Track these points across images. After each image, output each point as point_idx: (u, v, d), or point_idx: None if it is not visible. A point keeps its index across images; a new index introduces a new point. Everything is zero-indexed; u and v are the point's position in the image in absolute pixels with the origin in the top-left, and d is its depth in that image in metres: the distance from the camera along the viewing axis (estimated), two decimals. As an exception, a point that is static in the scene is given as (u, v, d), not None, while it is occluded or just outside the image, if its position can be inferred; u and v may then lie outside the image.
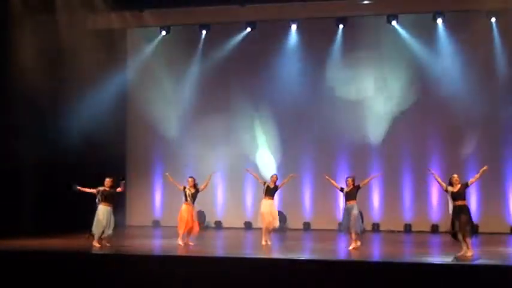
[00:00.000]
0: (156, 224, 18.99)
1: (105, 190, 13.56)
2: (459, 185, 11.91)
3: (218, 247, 14.77)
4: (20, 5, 15.27)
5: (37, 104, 15.50)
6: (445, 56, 17.37)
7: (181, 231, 13.71)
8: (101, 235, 13.43)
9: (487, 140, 17.17)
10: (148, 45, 18.88)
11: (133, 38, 19.09)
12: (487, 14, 16.81)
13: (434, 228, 17.42)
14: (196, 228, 13.87)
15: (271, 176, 14.52)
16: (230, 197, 18.74)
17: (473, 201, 17.25)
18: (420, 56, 17.49)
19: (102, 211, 13.45)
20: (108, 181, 13.60)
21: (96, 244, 13.35)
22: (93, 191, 13.61)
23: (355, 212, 13.15)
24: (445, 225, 17.13)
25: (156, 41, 18.84)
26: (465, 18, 17.00)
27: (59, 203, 16.07)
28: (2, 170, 15.25)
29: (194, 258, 12.24)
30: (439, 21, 17.24)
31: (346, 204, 13.41)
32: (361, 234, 13.40)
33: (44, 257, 12.08)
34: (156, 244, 15.36)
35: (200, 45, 18.70)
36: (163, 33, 18.64)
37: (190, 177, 14.15)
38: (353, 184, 13.35)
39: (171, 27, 18.59)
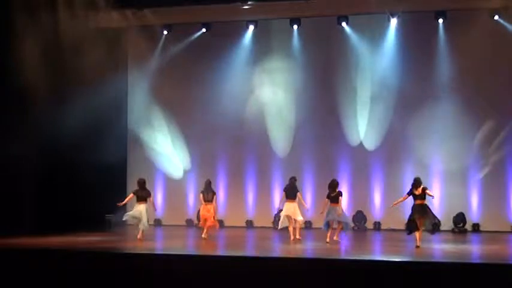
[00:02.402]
0: (158, 222, 19.01)
1: (137, 191, 14.83)
2: (420, 188, 13.12)
3: (220, 246, 14.76)
4: (20, 3, 15.26)
5: (37, 104, 15.50)
6: (447, 55, 17.36)
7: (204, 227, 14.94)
8: (139, 228, 14.61)
9: (488, 139, 17.17)
10: (150, 44, 18.88)
11: (134, 36, 19.06)
12: (489, 12, 16.79)
13: (435, 227, 17.40)
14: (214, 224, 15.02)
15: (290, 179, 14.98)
16: (232, 196, 18.75)
17: (474, 200, 17.33)
18: (421, 55, 17.50)
19: (138, 208, 14.62)
20: (139, 182, 14.94)
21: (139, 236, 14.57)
22: (131, 196, 14.93)
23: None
24: (446, 224, 17.34)
25: (158, 39, 18.85)
26: (467, 17, 16.96)
27: (60, 203, 16.12)
28: (3, 169, 15.29)
29: (195, 257, 12.25)
30: (440, 20, 17.27)
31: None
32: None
33: (45, 256, 12.09)
34: (158, 243, 15.37)
35: (201, 44, 18.69)
36: (165, 32, 18.68)
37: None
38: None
39: (173, 26, 18.62)
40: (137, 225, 14.66)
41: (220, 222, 18.59)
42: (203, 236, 14.84)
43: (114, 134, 17.92)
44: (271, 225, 18.27)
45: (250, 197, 18.72)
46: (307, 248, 13.96)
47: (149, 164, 19.18)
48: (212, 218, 14.98)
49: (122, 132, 19.21)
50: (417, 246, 13.08)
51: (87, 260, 11.92)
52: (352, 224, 14.67)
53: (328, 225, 14.24)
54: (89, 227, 16.37)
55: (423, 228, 13.20)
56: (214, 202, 15.05)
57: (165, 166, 19.14)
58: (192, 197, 19.04)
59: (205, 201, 15.04)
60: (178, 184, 18.92)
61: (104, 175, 17.43)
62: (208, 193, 15.10)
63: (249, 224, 18.58)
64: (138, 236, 14.58)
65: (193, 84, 18.86)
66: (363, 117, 17.87)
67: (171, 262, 11.63)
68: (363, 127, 17.88)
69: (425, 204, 13.21)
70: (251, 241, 15.67)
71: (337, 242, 14.08)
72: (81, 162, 16.34)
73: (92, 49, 15.90)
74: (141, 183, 14.94)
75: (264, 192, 18.64)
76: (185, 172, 19.02)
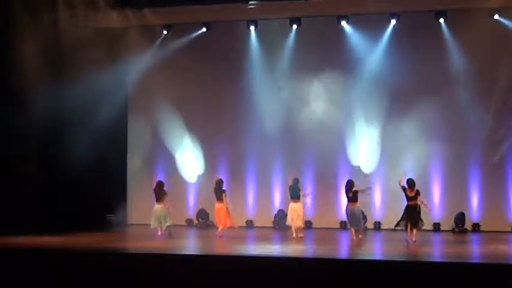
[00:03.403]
0: (158, 222, 19.00)
1: (154, 191, 15.99)
2: (414, 191, 14.26)
3: (219, 246, 14.75)
4: (20, 3, 15.26)
5: (37, 104, 15.51)
6: (447, 55, 17.35)
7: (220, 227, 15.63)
8: (161, 227, 15.77)
9: (488, 139, 17.15)
10: (150, 43, 18.86)
11: (134, 36, 19.04)
12: (489, 11, 16.78)
13: (436, 227, 17.44)
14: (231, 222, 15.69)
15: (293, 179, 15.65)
16: (232, 196, 18.66)
17: (474, 200, 17.33)
18: (421, 55, 17.48)
19: (155, 208, 15.85)
20: (158, 184, 16.04)
21: (158, 233, 15.76)
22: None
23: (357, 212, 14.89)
24: (446, 224, 17.35)
25: (158, 39, 18.83)
26: (467, 17, 16.92)
27: (60, 203, 16.13)
28: (3, 169, 15.29)
29: (195, 257, 12.25)
30: (441, 20, 17.25)
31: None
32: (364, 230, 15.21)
33: (45, 256, 12.10)
34: (158, 243, 15.37)
35: (201, 44, 18.68)
36: (165, 32, 18.66)
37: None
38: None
39: (173, 26, 18.60)
40: (161, 225, 15.77)
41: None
42: (218, 234, 15.47)
43: (114, 134, 17.92)
44: (271, 225, 18.28)
45: (250, 197, 18.72)
46: (307, 248, 13.96)
47: (150, 162, 19.19)
48: (228, 217, 15.57)
49: (123, 132, 19.22)
50: (407, 241, 14.06)
51: (87, 260, 11.93)
52: (363, 227, 15.40)
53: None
54: (89, 227, 16.38)
55: (413, 226, 14.23)
56: (225, 201, 15.59)
57: (165, 164, 19.12)
58: (192, 197, 19.05)
59: (217, 200, 15.62)
60: (178, 184, 18.90)
61: (104, 175, 17.44)
62: (219, 192, 15.61)
63: (249, 224, 18.58)
64: (159, 233, 15.71)
65: (192, 84, 18.83)
66: (362, 116, 17.84)
67: (171, 262, 11.64)
68: (363, 126, 17.85)
69: (418, 205, 14.25)
70: (251, 241, 15.66)
71: (360, 240, 14.66)
72: (81, 162, 16.32)
73: (92, 49, 15.90)
74: (160, 185, 15.95)
75: (264, 192, 18.64)
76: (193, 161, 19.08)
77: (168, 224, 15.80)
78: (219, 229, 15.57)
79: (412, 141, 17.60)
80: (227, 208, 15.64)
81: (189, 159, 19.00)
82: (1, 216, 15.04)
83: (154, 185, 16.12)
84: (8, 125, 15.40)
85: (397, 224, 14.54)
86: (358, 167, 17.83)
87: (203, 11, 17.70)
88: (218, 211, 15.62)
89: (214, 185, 15.78)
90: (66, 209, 16.21)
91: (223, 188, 15.69)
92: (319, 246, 14.42)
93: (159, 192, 15.93)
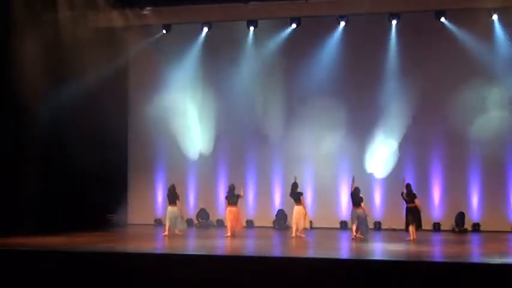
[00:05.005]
0: (158, 222, 18.98)
1: (168, 196, 16.45)
2: (411, 195, 15.08)
3: (220, 246, 14.77)
4: (20, 3, 15.26)
5: (37, 104, 15.52)
6: (447, 55, 17.35)
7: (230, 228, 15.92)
8: (173, 228, 16.14)
9: (488, 139, 17.14)
10: (150, 43, 18.87)
11: (134, 36, 19.04)
12: (489, 11, 16.78)
13: (436, 227, 17.44)
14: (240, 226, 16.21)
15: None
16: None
17: (474, 200, 17.33)
18: (421, 55, 17.49)
19: (168, 211, 16.25)
20: (169, 188, 16.50)
21: (165, 233, 16.04)
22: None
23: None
24: (447, 224, 17.37)
25: (158, 39, 18.83)
26: (467, 16, 16.91)
27: (60, 203, 16.13)
28: (3, 169, 15.29)
29: (195, 257, 12.25)
30: (442, 19, 17.23)
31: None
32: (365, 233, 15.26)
33: (45, 256, 12.08)
34: (158, 243, 15.39)
35: (202, 43, 18.70)
36: (165, 31, 18.65)
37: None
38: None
39: (172, 25, 18.59)
40: (174, 226, 16.13)
41: (221, 222, 18.67)
42: (228, 234, 15.68)
43: (115, 132, 17.92)
44: (271, 225, 18.29)
45: (251, 197, 18.71)
46: (307, 248, 13.96)
47: (150, 162, 19.22)
48: (239, 220, 16.09)
49: (123, 130, 19.21)
50: (410, 240, 14.62)
51: (87, 260, 11.93)
52: (369, 229, 15.65)
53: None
54: (89, 227, 16.39)
55: (415, 225, 14.92)
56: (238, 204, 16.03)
57: (166, 164, 19.15)
58: (192, 197, 19.05)
59: (230, 204, 15.90)
60: (178, 184, 18.89)
61: (104, 174, 17.45)
62: (232, 197, 15.91)
63: (249, 224, 18.58)
64: (166, 233, 15.97)
65: (192, 83, 18.84)
66: (362, 115, 17.84)
67: (171, 262, 11.65)
68: (362, 125, 17.85)
69: (415, 207, 14.92)
70: (251, 241, 15.67)
71: (361, 239, 14.90)
72: (82, 162, 16.33)
73: (92, 49, 15.90)
74: (172, 189, 16.34)
75: (264, 192, 18.64)
76: (193, 162, 19.05)
77: (181, 227, 16.22)
78: (229, 231, 15.77)
79: (412, 140, 17.60)
80: (239, 212, 16.10)
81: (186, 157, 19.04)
82: (1, 216, 15.04)
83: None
84: (8, 125, 15.40)
85: (407, 227, 15.06)
86: (359, 166, 17.86)
87: (203, 11, 17.73)
88: (232, 214, 15.87)
89: (228, 191, 16.13)
90: (66, 209, 16.22)
91: (235, 193, 15.97)
92: (319, 246, 14.41)
93: (172, 195, 16.21)
